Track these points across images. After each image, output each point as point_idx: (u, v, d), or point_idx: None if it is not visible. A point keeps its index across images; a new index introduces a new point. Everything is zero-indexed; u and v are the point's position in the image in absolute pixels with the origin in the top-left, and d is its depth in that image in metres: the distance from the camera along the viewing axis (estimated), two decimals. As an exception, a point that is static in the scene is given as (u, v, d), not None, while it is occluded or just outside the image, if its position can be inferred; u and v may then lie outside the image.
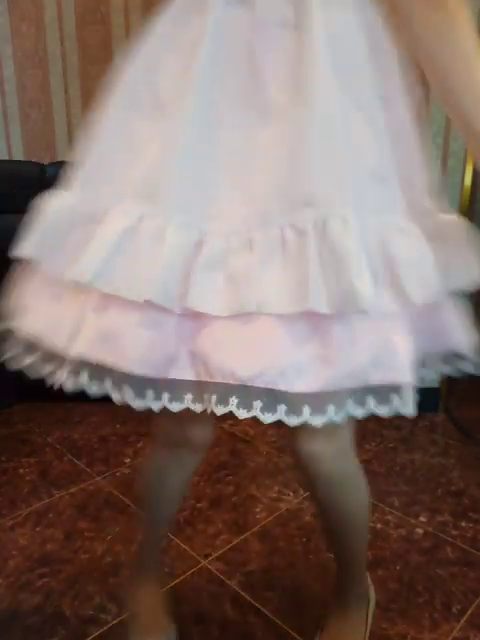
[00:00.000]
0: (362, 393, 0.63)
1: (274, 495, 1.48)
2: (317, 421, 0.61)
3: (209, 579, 1.18)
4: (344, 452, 0.78)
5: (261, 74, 0.61)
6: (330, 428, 0.65)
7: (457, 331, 0.72)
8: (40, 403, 2.07)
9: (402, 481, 1.55)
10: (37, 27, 2.35)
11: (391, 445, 1.77)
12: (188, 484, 0.98)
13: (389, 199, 0.65)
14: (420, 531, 1.34)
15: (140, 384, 0.63)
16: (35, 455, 1.70)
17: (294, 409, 0.62)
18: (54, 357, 0.69)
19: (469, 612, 1.09)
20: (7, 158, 2.50)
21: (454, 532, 1.33)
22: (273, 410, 0.62)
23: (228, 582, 1.17)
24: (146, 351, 0.61)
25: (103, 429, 1.87)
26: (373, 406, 0.64)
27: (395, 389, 0.64)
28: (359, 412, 0.64)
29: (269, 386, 0.59)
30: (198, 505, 1.44)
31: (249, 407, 0.60)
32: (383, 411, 0.64)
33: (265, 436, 1.82)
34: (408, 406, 0.65)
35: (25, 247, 0.72)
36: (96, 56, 2.36)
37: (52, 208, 0.78)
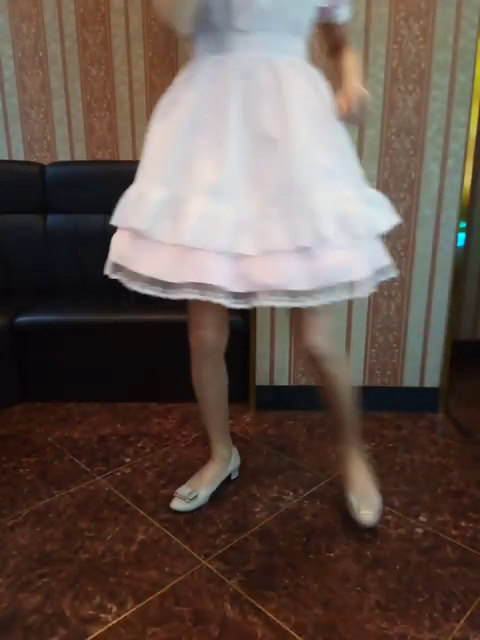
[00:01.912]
0: (338, 288, 1.11)
1: (274, 495, 1.48)
2: (315, 303, 1.09)
3: (209, 579, 1.18)
4: (332, 338, 1.25)
5: (260, 118, 1.08)
6: (324, 323, 1.21)
7: (383, 254, 1.23)
8: (40, 403, 2.07)
9: (402, 481, 1.56)
10: (37, 27, 2.35)
11: (391, 445, 1.77)
12: (222, 381, 1.41)
13: (339, 183, 1.12)
14: (420, 531, 1.34)
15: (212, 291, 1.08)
16: (35, 455, 1.70)
17: (299, 299, 1.08)
18: (136, 276, 1.13)
19: (469, 612, 1.09)
20: (7, 158, 2.50)
21: (454, 532, 1.33)
22: (288, 301, 1.08)
23: (228, 582, 1.17)
24: (217, 273, 1.07)
25: (103, 429, 1.87)
26: (346, 294, 1.12)
27: (353, 284, 1.12)
28: (333, 298, 1.10)
29: (287, 288, 1.07)
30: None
31: (277, 301, 1.08)
32: (345, 296, 1.12)
33: (265, 436, 1.82)
34: (366, 291, 1.15)
35: (115, 218, 1.20)
36: (96, 56, 2.36)
37: (128, 193, 1.22)
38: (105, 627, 1.05)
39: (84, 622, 1.07)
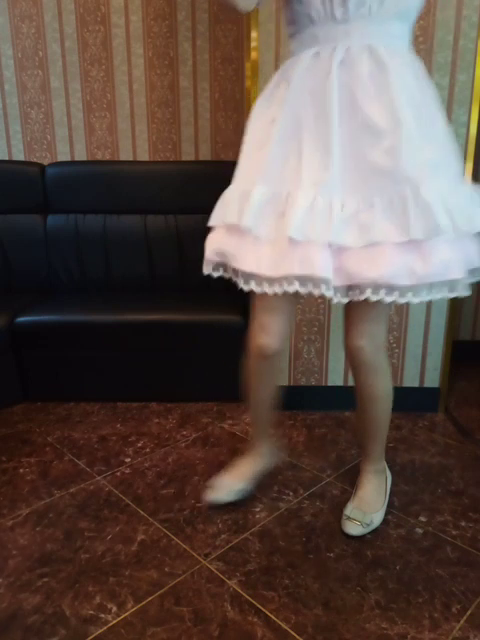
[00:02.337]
0: (437, 286, 1.08)
1: (274, 495, 1.48)
2: (415, 300, 1.07)
3: (209, 579, 1.18)
4: (378, 349, 1.23)
5: (364, 107, 1.04)
6: (372, 331, 1.20)
7: (477, 254, 1.11)
8: (40, 403, 2.07)
9: (402, 481, 1.55)
10: (37, 27, 2.35)
11: (391, 445, 1.77)
12: (273, 385, 1.39)
13: (442, 177, 1.06)
14: (420, 531, 1.34)
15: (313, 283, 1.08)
16: (35, 455, 1.70)
17: (401, 294, 1.06)
18: (237, 273, 1.16)
19: (469, 612, 1.09)
20: (7, 158, 2.50)
21: (454, 532, 1.33)
22: (387, 295, 1.06)
23: (228, 582, 1.17)
24: (322, 265, 1.06)
25: (103, 429, 1.87)
26: (445, 293, 1.08)
27: (452, 283, 1.08)
28: (433, 296, 1.08)
29: (390, 282, 1.04)
30: (198, 505, 1.44)
31: (376, 294, 1.06)
32: (445, 295, 1.08)
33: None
34: (464, 291, 1.09)
35: (213, 217, 1.21)
36: (96, 56, 2.36)
37: (227, 193, 1.20)
38: (105, 627, 1.05)
39: (84, 622, 1.07)
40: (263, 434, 1.47)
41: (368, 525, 1.31)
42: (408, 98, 1.04)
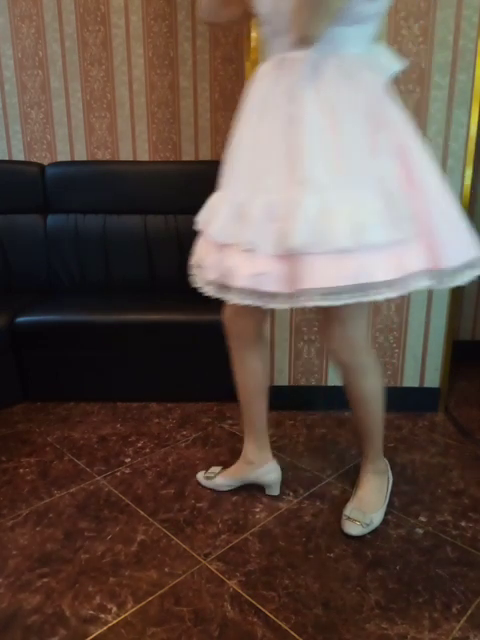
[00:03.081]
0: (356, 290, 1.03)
1: (274, 495, 1.48)
2: (335, 302, 1.03)
3: (209, 579, 1.18)
4: (355, 350, 1.22)
5: (283, 120, 1.06)
6: (344, 333, 1.19)
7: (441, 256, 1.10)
8: (40, 403, 2.07)
9: (402, 481, 1.55)
10: (37, 27, 2.35)
11: (391, 445, 1.77)
12: (257, 375, 1.38)
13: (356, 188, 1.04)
14: (420, 531, 1.34)
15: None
16: (35, 455, 1.70)
17: (326, 299, 1.03)
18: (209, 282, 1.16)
19: (469, 612, 1.09)
20: (7, 158, 2.50)
21: (454, 532, 1.33)
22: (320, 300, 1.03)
23: (228, 582, 1.17)
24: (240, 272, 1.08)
25: (103, 429, 1.87)
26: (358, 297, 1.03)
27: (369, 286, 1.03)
28: (352, 299, 1.03)
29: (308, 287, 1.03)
30: (198, 505, 1.44)
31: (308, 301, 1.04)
32: (361, 298, 1.03)
33: (265, 436, 1.82)
34: (382, 295, 1.04)
35: (198, 222, 1.23)
36: (96, 56, 2.36)
37: (212, 199, 1.23)
38: (105, 627, 1.05)
39: (84, 622, 1.07)
40: (250, 436, 1.46)
41: (368, 525, 1.31)
42: (322, 105, 1.03)
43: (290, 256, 1.02)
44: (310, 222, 1.00)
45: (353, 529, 1.30)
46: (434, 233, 1.06)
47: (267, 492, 1.48)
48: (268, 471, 1.46)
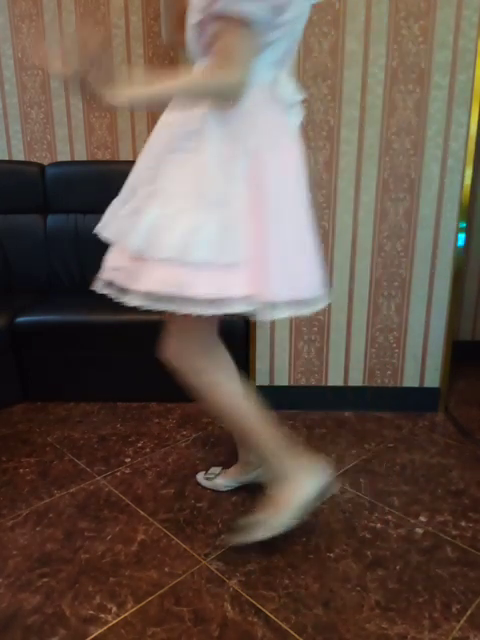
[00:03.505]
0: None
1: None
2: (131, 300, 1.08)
3: (209, 579, 1.18)
4: (179, 355, 1.22)
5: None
6: (175, 348, 1.22)
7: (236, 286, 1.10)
8: (40, 403, 2.07)
9: (402, 481, 1.55)
10: (37, 27, 2.35)
11: (391, 445, 1.77)
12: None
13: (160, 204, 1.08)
14: (420, 531, 1.34)
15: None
16: (35, 455, 1.70)
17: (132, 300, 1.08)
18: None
19: (469, 612, 1.09)
20: (7, 158, 2.50)
21: (454, 532, 1.33)
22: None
23: (228, 582, 1.17)
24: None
25: (103, 429, 1.87)
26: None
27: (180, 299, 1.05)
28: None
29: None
30: (198, 505, 1.44)
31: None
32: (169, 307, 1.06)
33: (265, 436, 1.82)
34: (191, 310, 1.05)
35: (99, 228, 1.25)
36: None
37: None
38: (105, 627, 1.05)
39: (84, 622, 1.07)
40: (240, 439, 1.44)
41: (269, 529, 1.21)
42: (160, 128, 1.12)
43: (138, 257, 1.07)
44: (146, 230, 1.05)
45: (254, 535, 1.23)
46: (265, 264, 1.06)
47: (267, 491, 1.48)
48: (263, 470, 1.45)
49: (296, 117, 1.15)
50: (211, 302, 1.04)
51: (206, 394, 1.23)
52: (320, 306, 1.17)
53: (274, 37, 1.02)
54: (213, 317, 1.08)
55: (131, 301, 1.07)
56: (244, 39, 0.95)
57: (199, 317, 1.05)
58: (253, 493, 1.48)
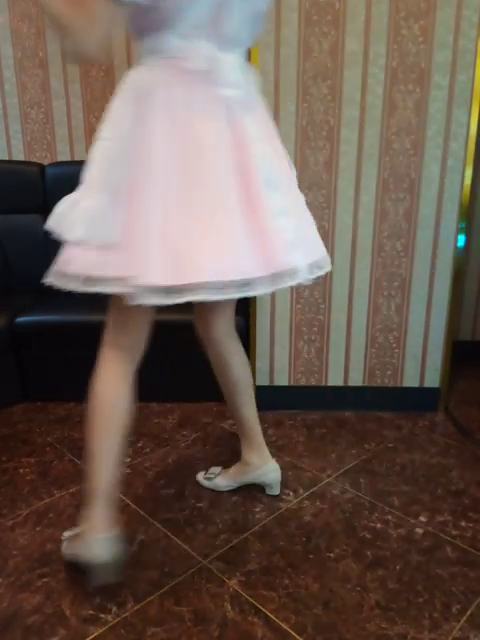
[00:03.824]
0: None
1: (274, 495, 1.48)
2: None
3: (209, 579, 1.18)
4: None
5: None
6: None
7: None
8: (40, 403, 2.07)
9: (402, 481, 1.56)
10: (37, 27, 2.35)
11: (391, 445, 1.77)
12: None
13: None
14: (420, 531, 1.34)
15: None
16: (35, 455, 1.70)
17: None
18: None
19: (469, 612, 1.09)
20: (7, 158, 2.50)
21: (454, 532, 1.33)
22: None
23: (228, 582, 1.17)
24: None
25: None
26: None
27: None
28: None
29: None
30: (198, 505, 1.44)
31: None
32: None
33: (265, 436, 1.81)
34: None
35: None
36: (96, 56, 2.36)
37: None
38: (105, 627, 1.05)
39: (84, 622, 1.07)
40: (241, 436, 1.46)
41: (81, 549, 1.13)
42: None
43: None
44: (64, 215, 1.10)
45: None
46: (143, 247, 1.01)
47: (267, 492, 1.48)
48: (267, 471, 1.45)
49: (238, 90, 1.04)
50: (85, 280, 1.06)
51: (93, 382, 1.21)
52: (258, 291, 1.04)
53: (163, 4, 0.96)
54: (126, 311, 1.11)
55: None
56: (106, 3, 0.93)
57: (114, 306, 1.14)
58: (253, 493, 1.48)
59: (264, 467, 1.45)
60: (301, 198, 1.19)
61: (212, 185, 1.01)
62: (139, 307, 1.03)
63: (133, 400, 1.16)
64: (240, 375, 1.39)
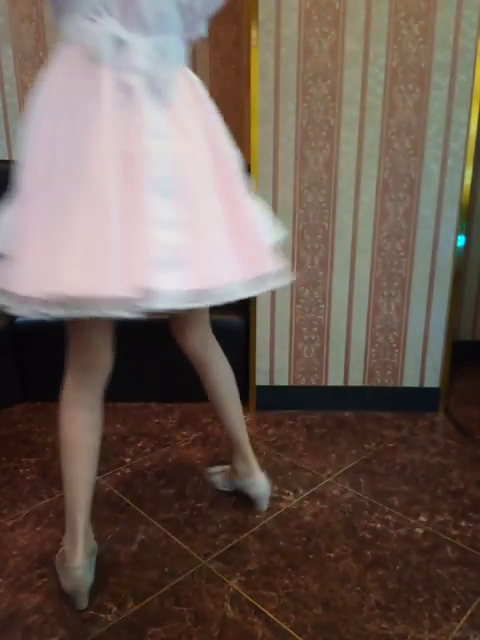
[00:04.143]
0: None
1: (274, 495, 1.48)
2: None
3: (209, 579, 1.18)
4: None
5: None
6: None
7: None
8: (40, 403, 2.07)
9: (402, 481, 1.56)
10: (37, 27, 2.35)
11: (391, 445, 1.77)
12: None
13: None
14: (420, 531, 1.34)
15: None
16: (35, 455, 1.70)
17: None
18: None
19: (469, 612, 1.09)
20: (7, 158, 2.50)
21: (454, 532, 1.33)
22: None
23: (228, 582, 1.17)
24: None
25: (103, 429, 1.86)
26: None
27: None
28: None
29: None
30: (198, 505, 1.44)
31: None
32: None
33: (265, 436, 1.82)
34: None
35: None
36: (96, 56, 2.36)
37: None
38: (105, 627, 1.05)
39: (84, 622, 1.07)
40: (232, 445, 1.42)
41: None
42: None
43: None
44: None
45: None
46: (18, 256, 0.97)
47: (255, 506, 1.41)
48: (253, 484, 1.39)
49: (147, 79, 0.95)
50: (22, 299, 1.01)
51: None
52: (111, 313, 1.01)
53: None
54: (79, 330, 1.12)
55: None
56: None
57: (70, 326, 1.12)
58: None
59: (250, 478, 1.39)
60: (221, 216, 1.02)
61: (92, 184, 0.90)
62: (92, 324, 1.05)
63: (101, 423, 1.20)
64: (223, 389, 1.39)
